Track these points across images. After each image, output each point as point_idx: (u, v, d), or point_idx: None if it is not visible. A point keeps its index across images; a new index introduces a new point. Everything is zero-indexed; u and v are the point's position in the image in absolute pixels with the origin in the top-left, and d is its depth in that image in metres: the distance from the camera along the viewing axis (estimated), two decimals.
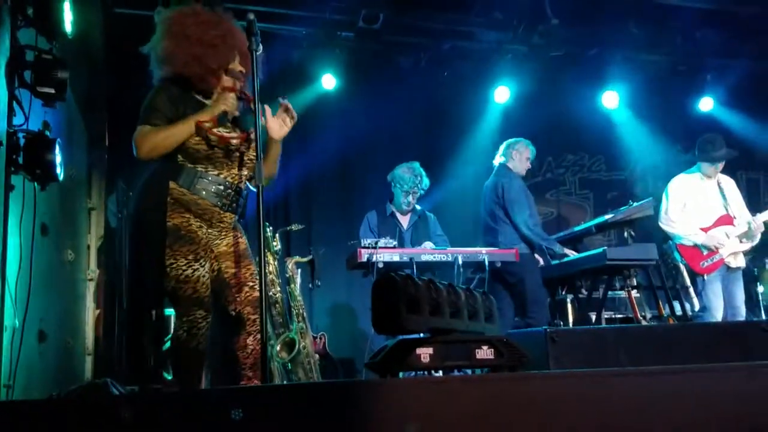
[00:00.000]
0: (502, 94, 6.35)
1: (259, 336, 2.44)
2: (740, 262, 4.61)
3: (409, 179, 4.59)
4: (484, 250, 4.26)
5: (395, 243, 4.20)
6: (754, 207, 4.96)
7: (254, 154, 2.50)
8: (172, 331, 2.90)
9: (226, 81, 2.58)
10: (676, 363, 2.42)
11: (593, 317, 4.37)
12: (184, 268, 2.41)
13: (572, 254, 4.49)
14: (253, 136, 2.51)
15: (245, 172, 2.58)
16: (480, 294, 2.22)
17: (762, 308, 5.42)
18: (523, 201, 4.56)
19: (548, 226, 4.79)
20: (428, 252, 4.25)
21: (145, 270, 2.48)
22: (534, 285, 4.44)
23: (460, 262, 4.14)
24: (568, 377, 1.93)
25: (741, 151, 5.37)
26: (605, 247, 4.28)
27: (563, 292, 4.80)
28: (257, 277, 2.57)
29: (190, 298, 2.43)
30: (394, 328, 1.89)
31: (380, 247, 4.04)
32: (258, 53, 2.48)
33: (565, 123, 6.51)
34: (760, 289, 5.46)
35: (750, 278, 5.33)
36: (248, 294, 2.57)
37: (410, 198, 4.64)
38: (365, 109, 5.97)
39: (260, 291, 2.36)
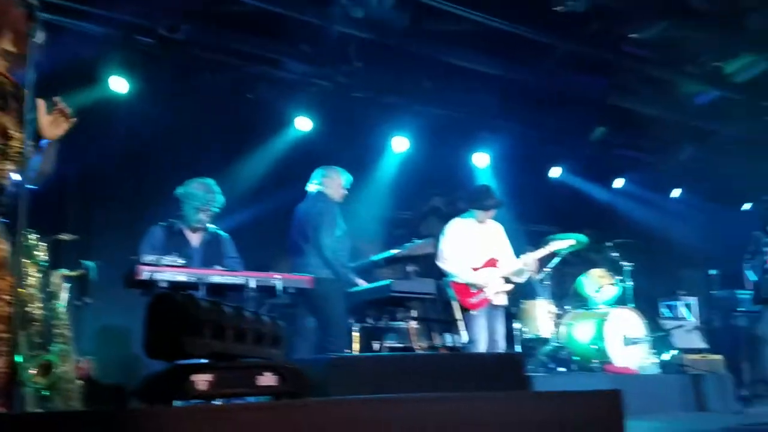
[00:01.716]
0: (304, 123, 6.47)
1: (9, 357, 2.12)
2: (502, 300, 5.14)
3: (202, 196, 4.39)
4: (277, 275, 4.19)
5: (184, 262, 3.97)
6: (518, 252, 5.58)
7: (22, 147, 2.22)
8: None
9: None
10: (446, 390, 2.60)
11: (376, 346, 4.54)
12: None
13: (362, 284, 4.65)
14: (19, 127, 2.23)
15: (9, 165, 2.27)
16: (268, 318, 2.18)
17: (518, 342, 6.08)
18: (331, 226, 4.62)
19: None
20: (218, 273, 4.06)
21: None
22: (336, 311, 4.49)
23: (253, 285, 4.02)
24: (348, 404, 1.96)
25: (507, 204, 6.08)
26: (391, 280, 4.50)
27: (351, 320, 4.92)
28: (13, 291, 2.24)
29: None
30: (169, 352, 1.76)
31: (163, 265, 3.78)
32: (37, 42, 2.22)
33: (361, 162, 6.81)
34: (517, 325, 6.12)
35: (510, 316, 5.96)
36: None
37: (202, 215, 4.43)
38: (162, 119, 5.66)
39: (14, 306, 2.06)
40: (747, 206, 9.03)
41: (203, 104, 5.80)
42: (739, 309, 7.35)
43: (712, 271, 8.00)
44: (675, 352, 6.54)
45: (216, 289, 4.03)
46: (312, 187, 4.85)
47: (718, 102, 7.54)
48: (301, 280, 4.28)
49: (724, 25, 6.06)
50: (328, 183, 4.82)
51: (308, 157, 5.82)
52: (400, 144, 7.04)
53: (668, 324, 7.03)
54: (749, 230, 5.62)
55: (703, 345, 7.00)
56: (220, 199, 4.48)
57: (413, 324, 4.76)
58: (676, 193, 9.03)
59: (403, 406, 1.98)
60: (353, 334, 4.71)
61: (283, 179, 4.94)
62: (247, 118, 6.24)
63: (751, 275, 5.70)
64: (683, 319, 7.49)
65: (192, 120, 5.66)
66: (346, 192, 4.90)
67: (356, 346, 4.64)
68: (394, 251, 4.81)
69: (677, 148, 8.52)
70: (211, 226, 4.59)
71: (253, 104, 6.19)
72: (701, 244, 8.70)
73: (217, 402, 1.88)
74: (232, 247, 4.66)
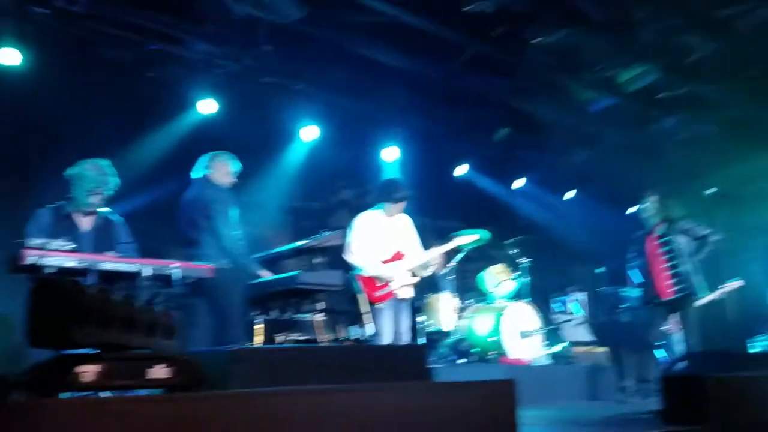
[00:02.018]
0: (207, 106, 6.24)
1: None
2: (408, 293, 5.19)
3: (95, 177, 4.10)
4: (176, 263, 3.99)
5: (74, 246, 3.70)
6: (424, 246, 5.66)
7: None
8: None
9: None
10: (350, 382, 2.59)
11: (280, 338, 4.45)
12: None
13: (267, 275, 4.53)
14: None
15: None
16: (161, 308, 2.07)
17: (421, 335, 6.18)
18: (225, 214, 4.44)
19: (249, 246, 4.78)
20: (110, 260, 3.81)
21: None
22: (235, 303, 4.33)
23: (148, 273, 3.80)
24: (248, 397, 1.89)
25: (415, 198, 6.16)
26: (297, 271, 4.42)
27: (255, 312, 4.79)
28: None
29: None
30: (54, 341, 1.63)
31: (51, 249, 3.51)
32: None
33: (268, 149, 6.67)
34: (421, 318, 6.23)
35: (414, 309, 6.05)
36: None
37: (94, 198, 4.14)
38: (55, 95, 5.27)
39: None
40: (633, 209, 9.68)
41: (101, 81, 5.47)
42: (622, 305, 7.86)
43: (599, 269, 8.50)
44: (565, 344, 6.90)
45: (108, 276, 3.77)
46: (198, 173, 4.62)
47: (611, 109, 8.01)
48: (201, 269, 4.09)
49: (619, 35, 6.44)
50: (216, 168, 4.59)
51: (211, 141, 5.61)
52: (309, 133, 6.95)
53: (559, 318, 7.41)
54: (633, 232, 5.96)
55: (589, 338, 7.44)
56: (114, 181, 4.21)
57: (319, 316, 4.70)
58: (570, 194, 9.52)
59: (305, 399, 1.94)
60: (256, 326, 4.59)
61: (184, 163, 4.71)
62: (148, 98, 5.94)
63: (636, 276, 6.04)
64: (572, 313, 7.92)
65: (88, 97, 5.32)
66: (235, 180, 4.70)
67: (259, 339, 4.53)
68: (301, 242, 4.72)
69: (573, 152, 8.99)
70: (103, 210, 4.31)
71: (154, 83, 5.91)
72: (590, 243, 9.22)
73: (105, 394, 1.76)
74: (126, 232, 4.38)
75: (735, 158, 8.56)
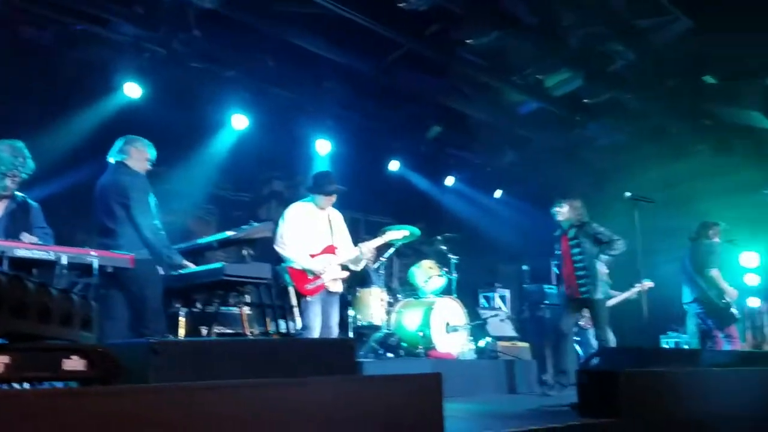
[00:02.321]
0: (133, 90, 6.01)
1: None
2: (338, 287, 5.17)
3: (9, 159, 3.87)
4: (94, 251, 3.81)
5: None
6: (355, 240, 5.66)
7: None
8: None
9: None
10: (277, 376, 2.55)
11: (204, 331, 4.34)
12: None
13: (191, 266, 4.39)
14: None
15: None
16: (78, 297, 1.97)
17: (351, 329, 6.19)
18: (144, 202, 4.25)
19: (171, 236, 4.60)
20: (25, 246, 3.60)
21: None
22: (154, 294, 4.16)
23: (65, 262, 3.61)
24: (168, 391, 1.83)
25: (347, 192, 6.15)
26: (223, 263, 4.31)
27: (177, 305, 4.64)
28: None
29: None
30: None
31: None
32: None
33: (197, 136, 6.49)
34: (351, 312, 6.23)
35: (344, 303, 6.05)
36: None
37: (8, 181, 3.91)
38: None
39: None
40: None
41: (20, 60, 5.16)
42: (545, 302, 8.15)
43: (525, 267, 8.78)
44: (489, 339, 7.08)
45: (21, 263, 3.56)
46: (113, 158, 4.41)
47: (538, 112, 8.27)
48: (121, 258, 3.92)
49: (547, 40, 6.65)
50: (133, 154, 4.38)
51: (136, 126, 5.39)
52: (239, 122, 6.80)
53: (485, 313, 7.60)
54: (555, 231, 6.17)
55: (513, 333, 7.67)
56: (30, 164, 3.98)
57: (246, 309, 4.62)
58: (497, 193, 9.76)
59: (230, 393, 1.89)
60: (180, 319, 4.46)
61: (106, 148, 4.50)
62: (70, 80, 5.67)
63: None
64: (498, 309, 8.14)
65: (5, 76, 4.99)
66: (150, 168, 4.52)
67: (182, 332, 4.40)
68: (229, 233, 4.59)
69: (501, 152, 9.22)
70: (18, 194, 4.07)
71: (77, 64, 5.64)
72: (516, 242, 9.50)
73: (16, 386, 1.66)
74: (42, 217, 4.15)
75: (652, 164, 9.03)
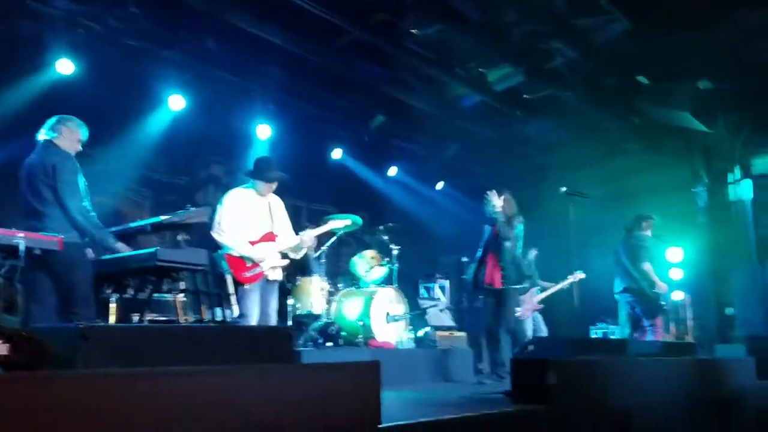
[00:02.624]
0: (65, 66, 5.75)
1: None
2: (278, 275, 5.08)
3: None
4: (20, 233, 3.61)
5: None
6: (296, 228, 5.59)
7: None
8: None
9: None
10: (212, 364, 2.49)
11: (136, 318, 4.20)
12: None
13: (124, 250, 4.23)
14: None
15: None
16: (3, 280, 1.87)
17: (290, 318, 6.13)
18: (73, 184, 4.07)
19: (102, 219, 4.42)
20: None
21: None
22: (83, 278, 3.99)
23: None
24: (97, 378, 1.76)
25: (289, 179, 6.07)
26: (157, 248, 4.17)
27: (108, 290, 4.47)
28: None
29: None
30: None
31: None
32: None
33: (132, 116, 6.25)
34: (290, 301, 6.17)
35: (283, 292, 5.98)
36: None
37: None
38: None
39: None
40: None
41: None
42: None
43: (464, 258, 8.92)
44: (428, 329, 7.16)
45: None
46: (42, 136, 4.21)
47: (481, 106, 8.39)
48: (49, 241, 3.73)
49: (491, 35, 6.75)
50: (64, 134, 4.18)
51: (68, 104, 5.15)
52: (176, 102, 6.58)
53: (425, 303, 7.68)
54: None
55: (451, 323, 7.79)
56: None
57: (180, 296, 4.49)
58: (440, 185, 9.86)
59: (162, 381, 1.84)
60: (111, 305, 4.30)
61: (36, 126, 4.27)
62: None
63: None
64: (437, 299, 8.24)
65: None
66: (81, 149, 4.34)
67: (113, 319, 4.25)
68: (163, 217, 4.43)
69: (444, 145, 9.32)
70: None
71: (7, 39, 5.34)
72: (457, 233, 9.63)
73: None
74: None
75: (587, 161, 9.32)
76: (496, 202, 5.76)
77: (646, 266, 6.79)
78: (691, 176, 9.16)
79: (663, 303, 6.97)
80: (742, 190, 8.84)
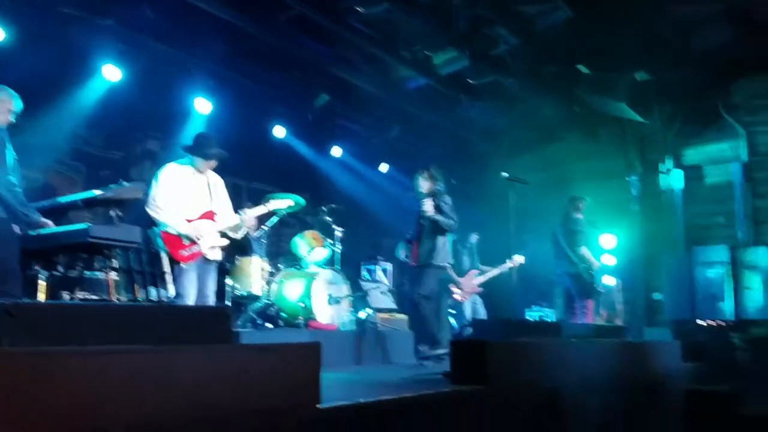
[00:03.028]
0: None
1: None
2: (217, 255, 4.95)
3: None
4: None
5: None
6: (236, 207, 5.47)
7: None
8: None
9: None
10: (145, 343, 2.41)
11: (66, 297, 4.02)
12: None
13: (51, 225, 4.03)
14: None
15: None
16: None
17: (228, 299, 6.01)
18: (4, 158, 3.85)
19: (32, 193, 4.20)
20: None
21: None
22: (8, 255, 3.78)
23: None
24: (22, 356, 1.66)
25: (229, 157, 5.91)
26: (89, 224, 4.00)
27: (37, 267, 4.25)
28: None
29: None
30: None
31: None
32: None
33: (63, 87, 5.92)
34: (229, 281, 6.04)
35: (222, 272, 5.85)
36: None
37: None
38: None
39: None
40: None
41: None
42: None
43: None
44: (370, 311, 7.17)
45: None
46: None
47: (425, 89, 8.40)
48: None
49: (436, 17, 6.74)
50: None
51: None
52: (112, 73, 6.27)
53: (366, 285, 7.69)
54: None
55: (393, 306, 7.83)
56: None
57: (113, 275, 4.32)
58: (383, 167, 9.84)
59: (93, 360, 1.76)
60: (39, 282, 4.09)
61: None
62: None
63: None
64: (380, 281, 8.27)
65: None
66: (14, 120, 4.11)
67: (42, 297, 4.05)
68: (96, 192, 4.24)
69: (388, 127, 9.29)
70: None
71: None
72: (400, 216, 9.66)
73: None
74: None
75: (527, 147, 9.51)
76: (422, 182, 5.74)
77: (583, 250, 7.03)
78: (625, 165, 9.47)
79: (598, 287, 7.23)
80: (673, 179, 9.22)
